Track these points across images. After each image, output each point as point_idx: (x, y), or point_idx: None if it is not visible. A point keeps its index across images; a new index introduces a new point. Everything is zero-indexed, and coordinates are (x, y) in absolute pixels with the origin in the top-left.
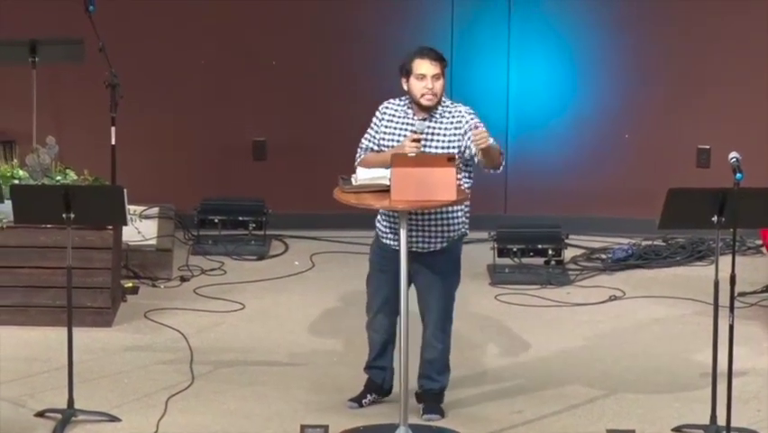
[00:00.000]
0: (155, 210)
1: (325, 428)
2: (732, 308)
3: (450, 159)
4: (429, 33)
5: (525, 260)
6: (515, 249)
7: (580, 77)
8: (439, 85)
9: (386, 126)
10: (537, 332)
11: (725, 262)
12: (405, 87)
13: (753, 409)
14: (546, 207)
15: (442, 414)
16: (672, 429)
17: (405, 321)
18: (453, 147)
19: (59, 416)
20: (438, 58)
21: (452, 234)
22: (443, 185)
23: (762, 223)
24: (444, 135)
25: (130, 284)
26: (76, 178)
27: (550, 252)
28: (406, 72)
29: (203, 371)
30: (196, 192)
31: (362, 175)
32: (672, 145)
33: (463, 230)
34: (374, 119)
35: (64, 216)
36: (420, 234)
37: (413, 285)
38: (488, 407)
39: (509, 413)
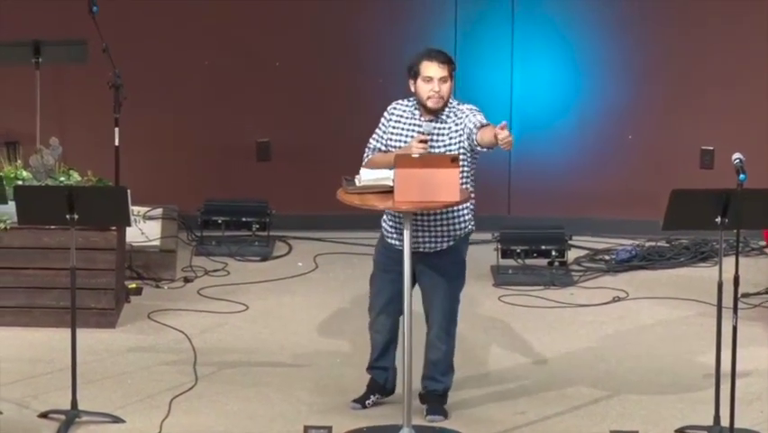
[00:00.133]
0: (159, 211)
1: (329, 429)
2: (735, 310)
3: (453, 159)
4: (432, 34)
5: (529, 261)
6: (518, 250)
7: (583, 78)
8: (446, 87)
9: (393, 127)
10: (541, 333)
11: (728, 263)
12: (412, 89)
13: (756, 411)
14: (550, 209)
15: (445, 415)
16: (676, 430)
17: (408, 322)
18: (458, 147)
19: (62, 417)
20: (446, 60)
21: (458, 233)
22: (447, 186)
23: (765, 224)
24: (450, 137)
25: (133, 285)
26: (79, 179)
27: (553, 253)
28: (414, 74)
29: (206, 372)
30: (200, 193)
31: (366, 176)
32: (676, 146)
33: (470, 227)
34: (382, 119)
35: (68, 217)
36: (425, 234)
37: (417, 286)
38: (491, 408)
39: (512, 414)
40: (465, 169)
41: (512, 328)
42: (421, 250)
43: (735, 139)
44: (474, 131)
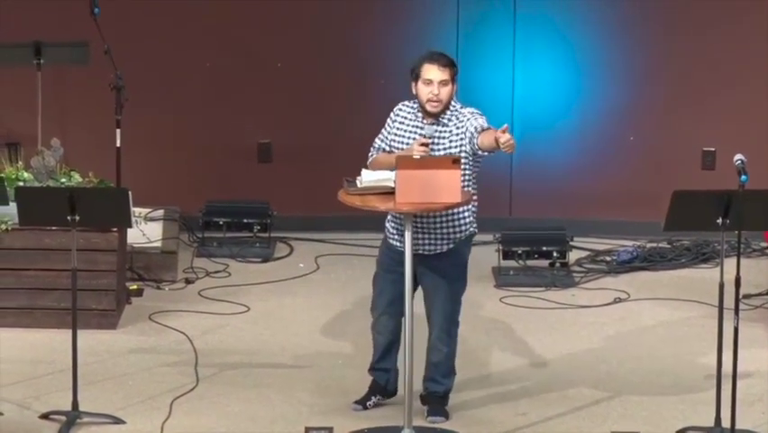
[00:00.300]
0: (160, 212)
1: (330, 430)
2: (737, 311)
3: (455, 161)
4: (434, 35)
5: (530, 262)
6: (519, 251)
7: (584, 79)
8: (446, 91)
9: (397, 128)
10: (542, 334)
11: (730, 264)
12: (414, 91)
13: (757, 412)
14: (551, 210)
15: (446, 416)
16: (677, 431)
17: (410, 323)
18: (459, 151)
19: (63, 418)
20: (447, 64)
21: (459, 235)
22: (448, 187)
23: (767, 225)
24: (451, 140)
25: (135, 286)
26: (81, 180)
27: (555, 254)
28: (416, 76)
29: (207, 373)
30: (201, 194)
31: (367, 177)
32: (677, 147)
33: (471, 229)
34: (388, 120)
35: (69, 218)
36: (427, 236)
37: (419, 287)
38: (492, 409)
39: (514, 415)
40: (467, 172)
41: (513, 330)
42: (421, 252)
43: (736, 140)
44: (475, 135)
